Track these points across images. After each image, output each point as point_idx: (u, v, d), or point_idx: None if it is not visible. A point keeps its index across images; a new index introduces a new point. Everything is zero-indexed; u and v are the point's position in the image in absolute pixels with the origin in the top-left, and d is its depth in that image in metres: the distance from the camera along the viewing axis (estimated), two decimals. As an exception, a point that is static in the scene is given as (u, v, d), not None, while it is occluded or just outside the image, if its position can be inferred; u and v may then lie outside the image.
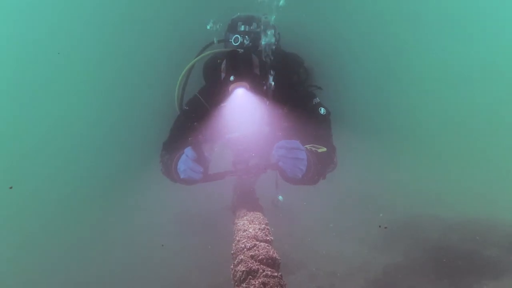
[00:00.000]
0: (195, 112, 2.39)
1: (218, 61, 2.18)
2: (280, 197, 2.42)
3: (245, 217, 2.05)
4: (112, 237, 5.10)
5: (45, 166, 5.01)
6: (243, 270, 1.32)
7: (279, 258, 1.48)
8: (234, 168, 2.10)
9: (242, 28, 2.63)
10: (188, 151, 1.81)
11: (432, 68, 4.95)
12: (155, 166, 2.44)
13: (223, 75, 2.03)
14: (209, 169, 1.89)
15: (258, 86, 1.99)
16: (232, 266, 1.47)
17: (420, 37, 4.41)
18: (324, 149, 1.92)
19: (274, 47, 2.79)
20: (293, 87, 2.49)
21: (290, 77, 2.56)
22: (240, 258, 1.46)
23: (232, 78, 1.92)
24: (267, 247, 1.56)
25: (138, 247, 4.91)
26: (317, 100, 2.36)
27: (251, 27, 2.64)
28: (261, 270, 1.33)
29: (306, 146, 1.90)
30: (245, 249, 1.54)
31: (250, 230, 1.77)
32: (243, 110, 2.00)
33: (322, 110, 2.29)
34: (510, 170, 6.15)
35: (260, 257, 1.44)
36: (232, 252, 1.62)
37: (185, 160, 1.82)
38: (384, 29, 4.12)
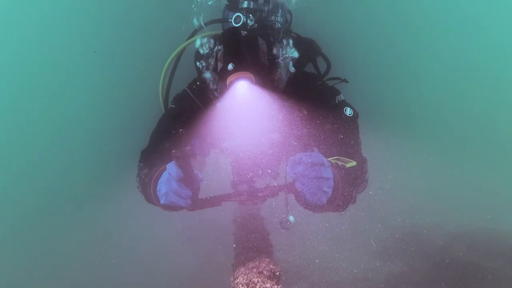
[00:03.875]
0: (183, 112, 1.88)
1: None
2: (291, 218, 1.99)
3: (245, 228, 2.05)
4: (112, 246, 5.08)
5: (34, 167, 4.68)
6: (243, 283, 1.32)
7: (279, 270, 1.48)
8: (234, 190, 1.74)
9: (245, 4, 2.09)
10: (172, 168, 1.33)
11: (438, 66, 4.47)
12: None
13: (220, 64, 1.59)
14: (200, 192, 1.44)
15: (265, 79, 1.57)
16: (232, 279, 1.47)
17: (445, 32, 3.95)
18: (354, 163, 1.41)
19: (285, 29, 2.17)
20: (311, 80, 1.96)
21: (305, 68, 2.07)
22: (240, 270, 1.47)
23: (230, 66, 1.41)
24: (268, 259, 1.56)
25: (139, 255, 4.90)
26: (341, 97, 1.82)
27: (257, 4, 2.11)
28: (261, 283, 1.33)
29: (330, 159, 1.44)
30: (246, 261, 1.54)
31: (251, 242, 1.77)
32: (246, 110, 1.54)
33: (348, 111, 1.76)
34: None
35: (260, 269, 1.44)
36: (233, 263, 1.62)
37: (168, 180, 1.35)
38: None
